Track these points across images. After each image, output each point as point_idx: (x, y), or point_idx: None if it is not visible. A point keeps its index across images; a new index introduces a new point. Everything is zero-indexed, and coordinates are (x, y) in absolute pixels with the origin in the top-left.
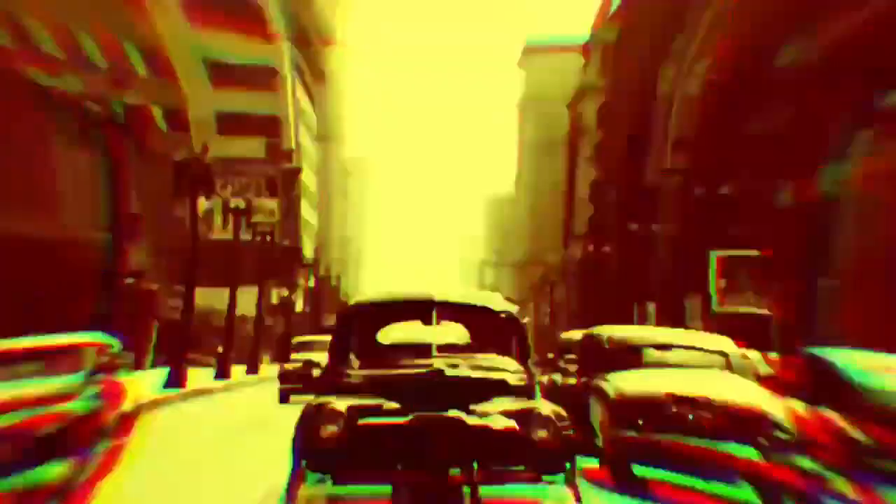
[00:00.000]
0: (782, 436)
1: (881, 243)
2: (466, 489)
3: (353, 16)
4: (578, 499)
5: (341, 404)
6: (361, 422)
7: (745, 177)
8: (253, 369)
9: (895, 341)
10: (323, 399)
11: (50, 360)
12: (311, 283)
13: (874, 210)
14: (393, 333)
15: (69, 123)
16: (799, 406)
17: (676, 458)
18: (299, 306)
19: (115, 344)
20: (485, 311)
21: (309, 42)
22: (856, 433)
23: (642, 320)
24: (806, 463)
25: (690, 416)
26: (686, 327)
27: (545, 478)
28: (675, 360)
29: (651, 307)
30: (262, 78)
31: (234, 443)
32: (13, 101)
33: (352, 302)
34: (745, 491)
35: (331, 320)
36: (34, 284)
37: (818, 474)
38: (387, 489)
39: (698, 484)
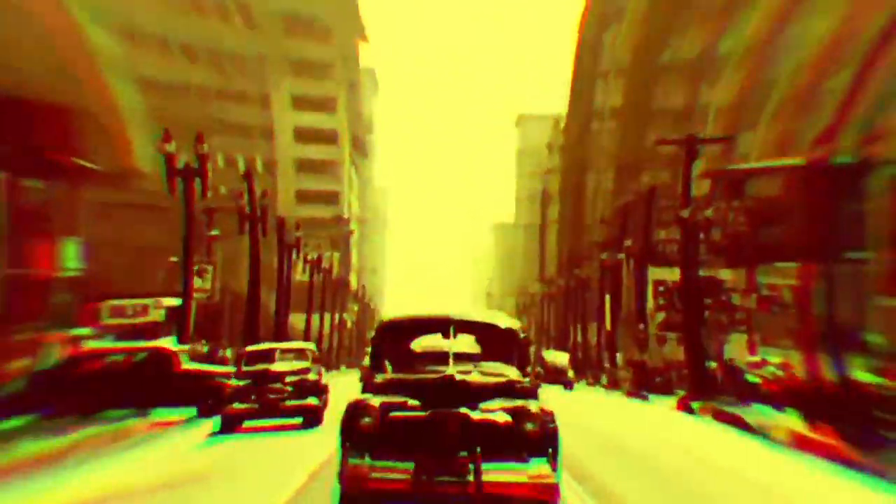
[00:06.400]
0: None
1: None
2: (471, 466)
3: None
4: (555, 471)
5: (376, 401)
6: (391, 415)
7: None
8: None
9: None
10: (362, 397)
11: (296, 354)
12: (357, 307)
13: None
14: (420, 343)
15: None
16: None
17: None
18: (349, 324)
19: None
20: (492, 327)
21: (358, 134)
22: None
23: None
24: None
25: None
26: (585, 342)
27: (532, 458)
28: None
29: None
30: (329, 168)
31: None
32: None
33: (385, 319)
34: None
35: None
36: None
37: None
38: (410, 465)
39: None
